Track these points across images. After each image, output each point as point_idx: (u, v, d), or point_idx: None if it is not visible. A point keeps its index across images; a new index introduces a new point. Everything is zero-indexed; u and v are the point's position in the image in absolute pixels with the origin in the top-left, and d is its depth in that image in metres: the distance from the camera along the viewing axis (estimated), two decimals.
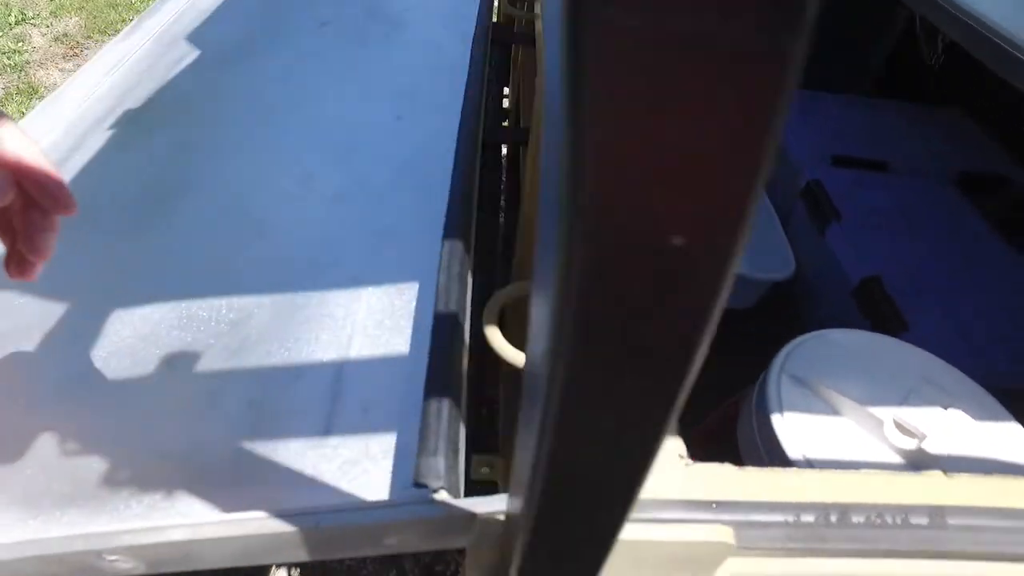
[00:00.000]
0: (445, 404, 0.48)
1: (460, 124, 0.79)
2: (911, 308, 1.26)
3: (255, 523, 0.45)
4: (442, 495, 0.43)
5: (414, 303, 0.61)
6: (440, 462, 0.44)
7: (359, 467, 0.51)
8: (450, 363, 0.53)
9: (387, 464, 0.50)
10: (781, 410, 0.86)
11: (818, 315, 1.45)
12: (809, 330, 0.89)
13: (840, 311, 1.38)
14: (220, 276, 0.69)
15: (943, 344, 1.15)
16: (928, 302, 1.28)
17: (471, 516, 0.42)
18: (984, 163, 1.66)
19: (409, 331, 0.59)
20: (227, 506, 0.51)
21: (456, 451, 0.46)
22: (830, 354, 0.94)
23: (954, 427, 0.86)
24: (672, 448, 0.53)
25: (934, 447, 0.83)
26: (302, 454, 0.52)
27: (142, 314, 0.68)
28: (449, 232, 0.64)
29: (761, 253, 1.50)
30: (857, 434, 0.86)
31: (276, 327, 0.62)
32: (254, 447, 0.54)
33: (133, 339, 0.66)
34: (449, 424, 0.47)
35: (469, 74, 0.87)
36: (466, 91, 0.85)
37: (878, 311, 1.28)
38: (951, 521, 0.53)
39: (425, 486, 0.43)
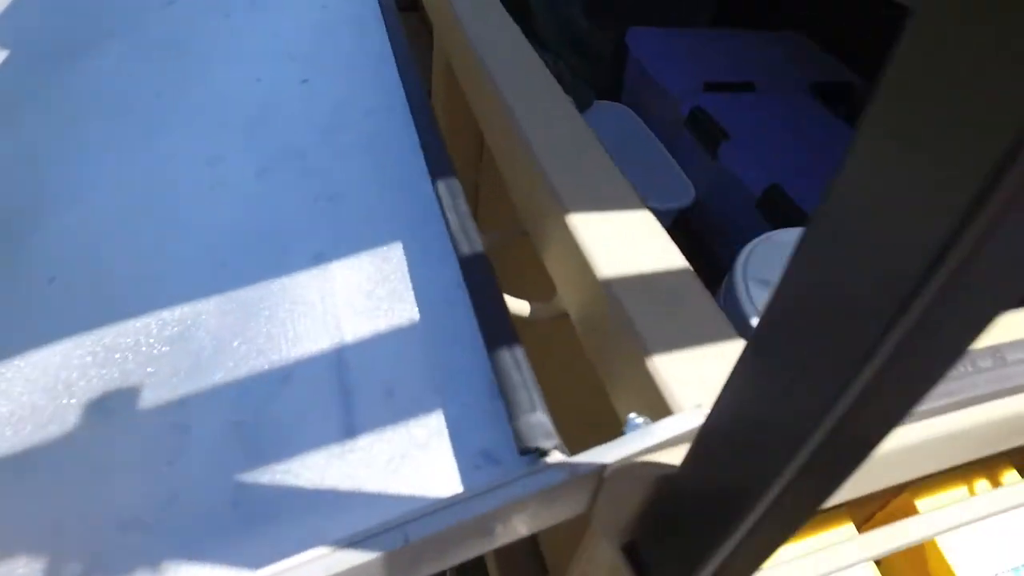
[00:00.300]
0: (519, 353, 0.39)
1: (401, 74, 0.68)
2: (813, 207, 1.32)
3: (317, 565, 0.33)
4: (557, 456, 0.34)
5: (406, 263, 0.51)
6: (544, 418, 0.36)
7: (409, 460, 0.40)
8: (500, 307, 0.43)
9: (443, 446, 0.41)
10: (759, 314, 0.85)
11: (726, 233, 1.49)
12: (721, 252, 0.88)
13: (747, 224, 1.42)
14: (133, 292, 0.54)
15: None
16: None
17: (600, 470, 0.33)
18: (830, 75, 1.79)
19: (411, 293, 0.49)
20: (246, 560, 0.39)
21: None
22: (784, 253, 0.94)
23: None
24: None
25: None
26: (328, 465, 0.41)
27: (34, 363, 0.52)
28: (437, 172, 0.54)
29: (660, 185, 1.51)
30: None
31: (234, 331, 0.49)
32: (258, 477, 0.42)
33: (31, 395, 0.50)
34: (532, 374, 0.38)
35: (388, 25, 0.77)
36: (392, 43, 0.74)
37: (785, 216, 1.32)
38: (1010, 357, 0.52)
39: (535, 450, 0.34)
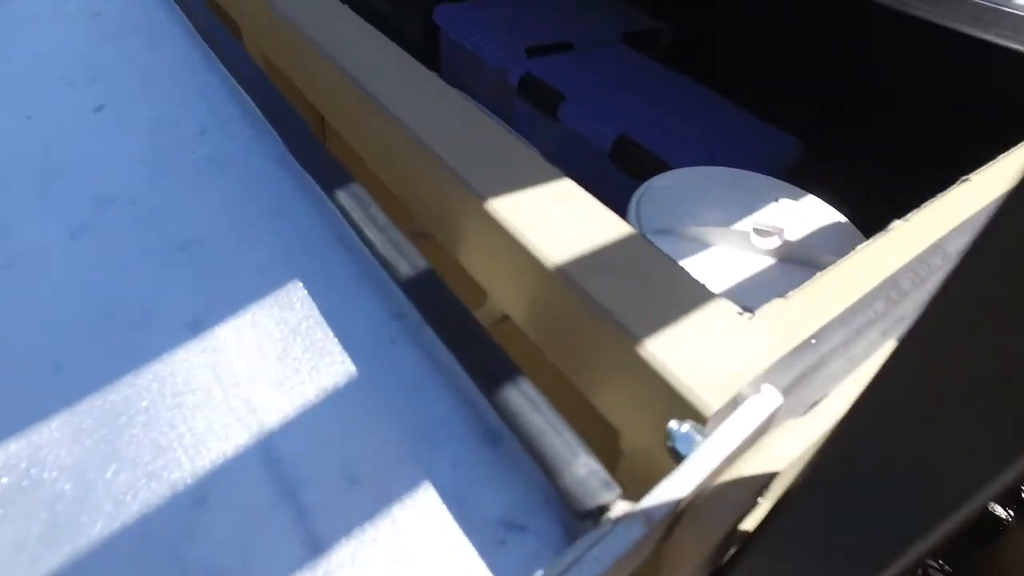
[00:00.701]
0: (525, 385, 0.31)
1: (235, 75, 0.54)
2: (663, 150, 1.33)
3: None
4: (622, 505, 0.26)
5: (315, 305, 0.40)
6: (592, 462, 0.27)
7: (410, 560, 0.31)
8: (474, 328, 0.34)
9: (447, 527, 0.31)
10: None
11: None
12: None
13: (601, 179, 1.41)
14: None
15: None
16: (671, 140, 1.37)
17: (675, 507, 0.26)
18: (637, 24, 1.83)
19: (335, 341, 0.38)
20: None
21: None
22: (666, 199, 0.93)
23: (790, 213, 0.92)
24: (724, 308, 0.43)
25: (792, 235, 0.87)
26: None
27: None
28: (330, 180, 0.42)
29: None
30: (733, 254, 0.86)
31: (101, 457, 0.35)
32: None
33: None
34: (551, 406, 0.30)
35: (200, 22, 0.61)
36: (211, 41, 0.60)
37: (640, 163, 1.33)
38: (952, 248, 0.52)
39: (595, 510, 0.26)
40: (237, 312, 0.40)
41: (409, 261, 0.37)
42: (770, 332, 0.41)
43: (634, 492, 0.32)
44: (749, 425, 0.28)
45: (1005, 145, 0.73)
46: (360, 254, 0.41)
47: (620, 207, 0.60)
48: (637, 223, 0.88)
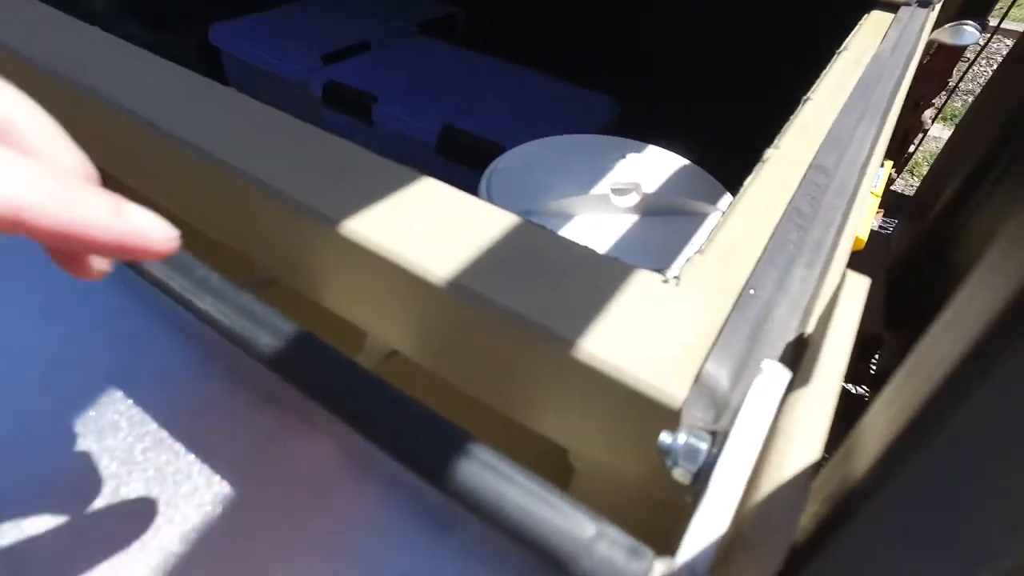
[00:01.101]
0: (480, 451, 0.22)
1: None
2: (491, 132, 1.28)
3: None
4: (659, 568, 0.20)
5: (148, 418, 0.29)
6: (611, 530, 0.20)
7: None
8: (385, 390, 0.25)
9: None
10: None
11: None
12: None
13: (435, 175, 1.34)
14: None
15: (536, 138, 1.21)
16: (495, 121, 1.33)
17: (719, 548, 0.20)
18: (431, 12, 1.77)
19: (193, 458, 0.27)
20: None
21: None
22: (515, 179, 0.88)
23: (640, 167, 0.91)
24: (646, 279, 0.38)
25: (648, 187, 0.85)
26: None
27: None
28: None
29: None
30: (598, 220, 0.83)
31: None
32: None
33: None
34: (527, 472, 0.22)
35: None
36: None
37: (471, 151, 1.27)
38: (828, 163, 0.51)
39: None
40: (28, 470, 0.28)
41: (266, 323, 0.27)
42: (702, 293, 0.37)
43: (597, 509, 0.25)
44: (766, 416, 0.22)
45: (801, 66, 0.77)
46: (191, 331, 0.30)
47: None
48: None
